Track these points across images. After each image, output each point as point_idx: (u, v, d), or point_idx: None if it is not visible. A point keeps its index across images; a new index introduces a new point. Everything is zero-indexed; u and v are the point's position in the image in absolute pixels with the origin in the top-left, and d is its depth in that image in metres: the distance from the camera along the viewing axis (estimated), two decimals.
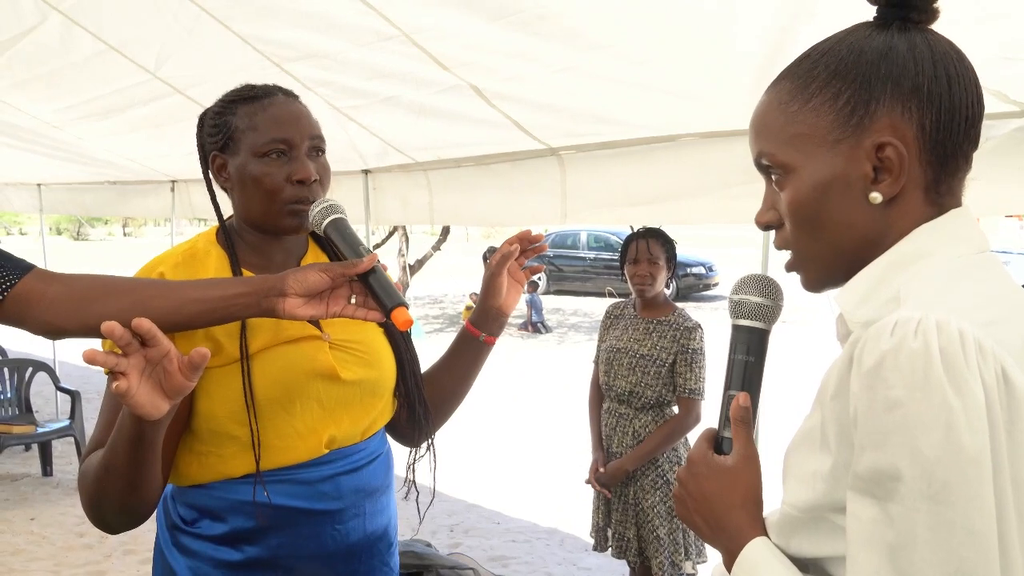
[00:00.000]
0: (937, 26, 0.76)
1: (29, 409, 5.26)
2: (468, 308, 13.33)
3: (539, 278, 17.40)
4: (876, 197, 0.73)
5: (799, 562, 0.75)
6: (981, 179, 1.83)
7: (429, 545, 3.66)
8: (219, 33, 2.37)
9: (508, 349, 11.21)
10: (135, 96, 3.06)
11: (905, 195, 0.74)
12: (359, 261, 1.09)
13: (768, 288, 0.87)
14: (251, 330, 1.17)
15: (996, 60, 1.58)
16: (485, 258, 14.54)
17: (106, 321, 0.86)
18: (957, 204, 0.76)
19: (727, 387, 0.86)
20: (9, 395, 5.14)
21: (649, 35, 1.93)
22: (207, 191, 1.30)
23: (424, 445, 1.40)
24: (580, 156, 2.80)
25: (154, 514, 1.22)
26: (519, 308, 13.71)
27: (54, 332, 1.07)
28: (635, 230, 2.75)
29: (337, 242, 1.15)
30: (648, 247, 2.64)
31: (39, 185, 5.93)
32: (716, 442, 0.86)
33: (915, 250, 0.73)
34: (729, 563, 0.79)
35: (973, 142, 0.75)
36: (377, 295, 1.09)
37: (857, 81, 0.73)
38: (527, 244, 1.41)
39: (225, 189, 1.28)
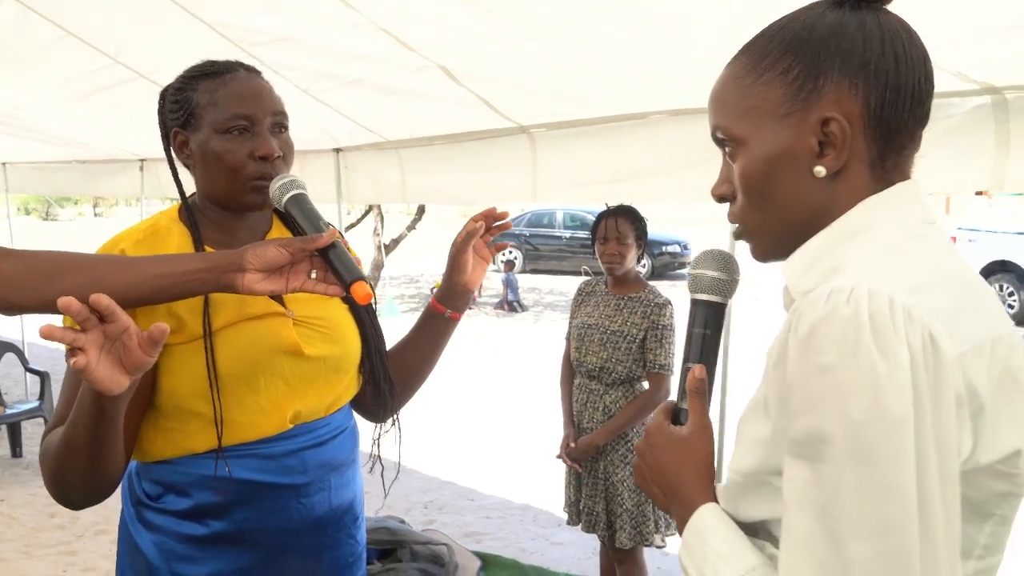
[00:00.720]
0: (913, 5, 0.77)
1: None
2: (437, 284, 13.27)
3: (515, 257, 17.41)
4: (820, 171, 0.75)
5: (747, 526, 0.77)
6: (948, 156, 1.87)
7: (403, 522, 3.69)
8: (184, 19, 2.34)
9: (484, 327, 11.24)
10: (98, 81, 3.02)
11: (850, 169, 0.75)
12: (318, 236, 1.09)
13: (725, 263, 0.89)
14: (214, 307, 1.17)
15: (966, 41, 1.61)
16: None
17: (62, 297, 0.86)
18: (904, 178, 0.77)
19: (685, 359, 0.88)
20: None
21: (616, 13, 1.93)
22: (169, 168, 1.29)
23: (389, 420, 1.41)
24: (551, 134, 2.80)
25: (118, 491, 1.22)
26: (494, 287, 13.72)
27: (10, 308, 1.07)
28: (607, 208, 2.77)
29: (297, 217, 1.16)
30: (616, 225, 2.66)
31: (3, 164, 5.83)
32: (674, 414, 0.88)
33: (857, 223, 0.75)
34: (682, 529, 0.81)
35: (920, 120, 0.77)
36: (337, 270, 1.09)
37: (807, 56, 0.75)
38: (492, 221, 1.42)
39: (187, 166, 1.27)
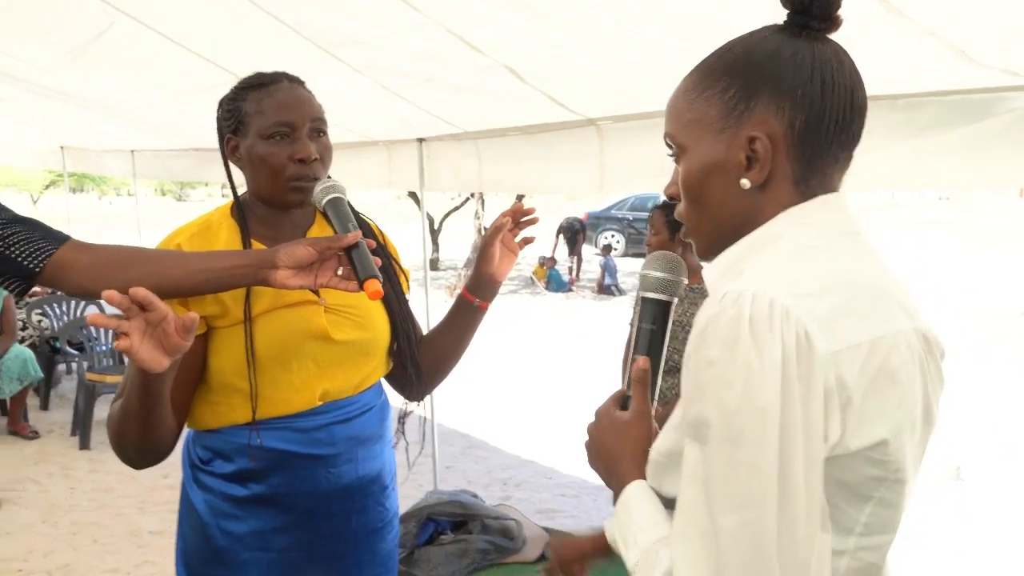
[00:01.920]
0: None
1: (122, 361, 5.71)
2: (538, 269, 13.45)
3: (617, 241, 17.33)
4: (745, 183, 0.82)
5: (670, 500, 0.85)
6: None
7: (475, 496, 3.84)
8: (268, 24, 2.52)
9: (580, 310, 11.30)
10: (203, 82, 3.29)
11: (774, 183, 0.82)
12: (342, 236, 1.22)
13: (671, 264, 0.96)
14: (255, 295, 1.32)
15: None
16: (559, 231, 14.50)
17: (105, 290, 1.02)
18: (829, 191, 0.83)
19: (633, 352, 0.96)
20: (106, 347, 5.57)
21: (679, 6, 1.96)
22: (224, 173, 1.45)
23: (415, 400, 1.53)
24: (617, 127, 2.85)
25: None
26: (594, 271, 13.73)
27: (85, 294, 1.25)
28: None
29: (332, 218, 1.29)
30: (652, 218, 2.80)
31: (132, 152, 6.34)
32: (623, 400, 0.96)
33: (771, 232, 0.82)
34: (616, 503, 0.91)
35: (845, 143, 0.82)
36: (354, 267, 1.21)
37: (743, 79, 0.81)
38: (519, 217, 1.52)
39: (239, 167, 1.42)
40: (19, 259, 1.21)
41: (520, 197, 11.72)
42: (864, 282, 0.78)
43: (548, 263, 13.39)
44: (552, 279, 13.21)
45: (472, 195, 12.50)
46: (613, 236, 17.67)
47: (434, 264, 14.70)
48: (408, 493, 4.08)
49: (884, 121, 1.96)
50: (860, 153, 2.16)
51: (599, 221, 17.75)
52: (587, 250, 15.24)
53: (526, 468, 4.87)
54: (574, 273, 13.84)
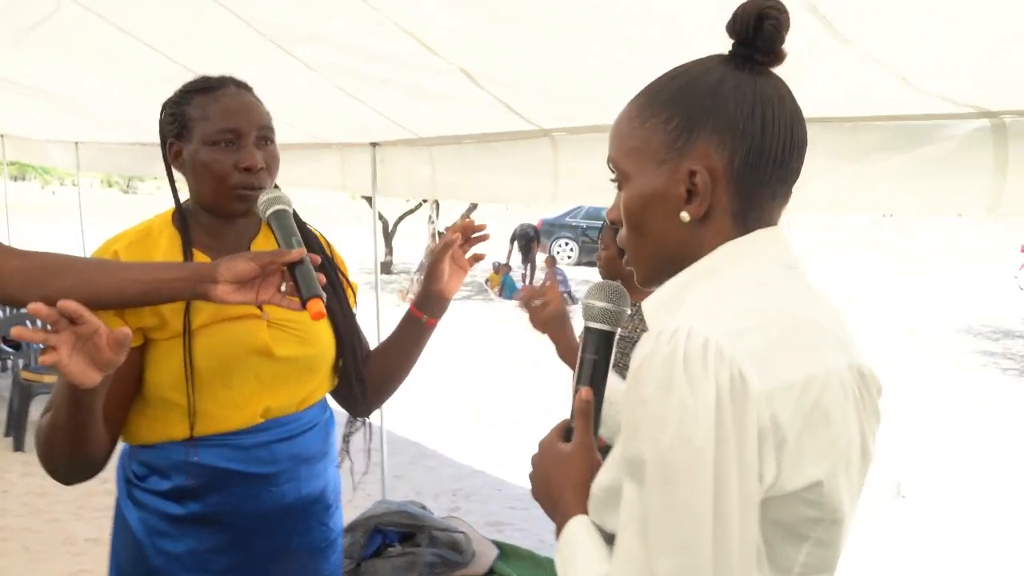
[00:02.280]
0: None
1: None
2: (492, 276, 13.46)
3: (570, 248, 17.41)
4: (684, 216, 0.82)
5: (613, 536, 0.84)
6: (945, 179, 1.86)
7: (424, 507, 3.80)
8: (224, 17, 2.47)
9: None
10: (154, 75, 3.20)
11: (713, 217, 0.82)
12: (286, 251, 1.19)
13: (613, 294, 0.95)
14: (195, 307, 1.28)
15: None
16: (513, 238, 14.56)
17: (31, 303, 0.97)
18: (767, 225, 0.83)
19: (576, 382, 0.95)
20: (38, 345, 5.38)
21: (635, 20, 1.97)
22: (166, 175, 1.40)
23: (361, 416, 1.50)
24: (571, 138, 2.85)
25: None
26: (541, 280, 13.76)
27: (12, 302, 1.20)
28: None
29: (275, 231, 1.25)
30: (601, 233, 2.76)
31: (76, 143, 6.15)
32: (566, 432, 0.95)
33: (711, 265, 0.82)
34: (559, 536, 0.89)
35: (783, 179, 0.83)
36: (298, 285, 1.18)
37: (685, 111, 0.81)
38: (470, 233, 1.50)
39: (182, 173, 1.38)
40: None
41: (473, 205, 11.71)
42: (799, 318, 0.78)
43: (503, 269, 13.40)
44: (506, 286, 13.21)
45: (426, 199, 12.43)
46: (567, 244, 17.76)
47: (387, 267, 14.59)
48: (357, 503, 4.03)
49: (830, 144, 2.00)
50: (806, 175, 2.18)
51: (553, 228, 17.81)
52: (540, 257, 15.30)
53: (476, 478, 4.85)
54: (527, 280, 13.87)
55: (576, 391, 0.95)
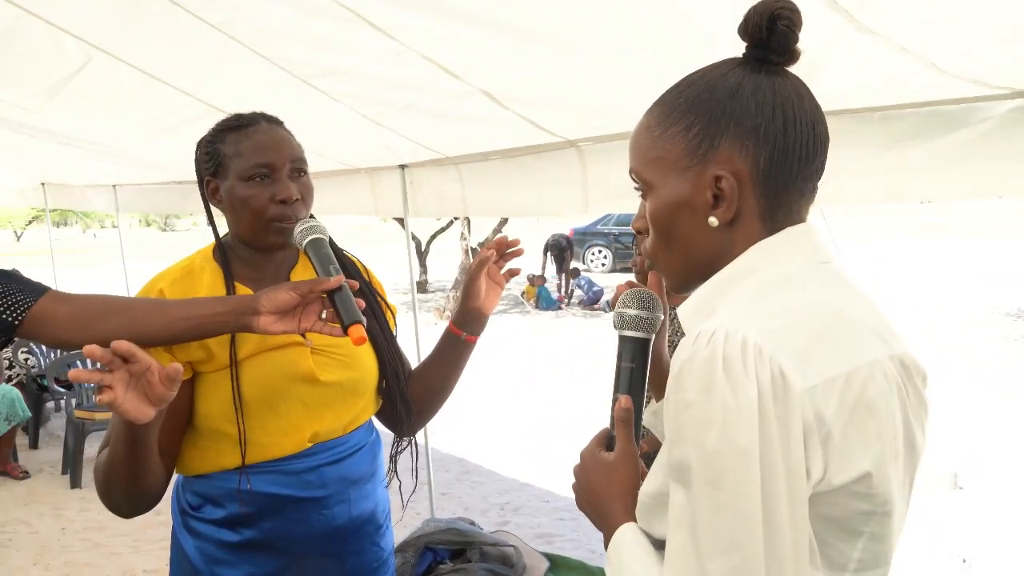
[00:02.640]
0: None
1: None
2: (528, 288, 13.50)
3: (604, 256, 17.41)
4: (713, 221, 0.82)
5: (662, 542, 0.84)
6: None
7: (472, 523, 3.81)
8: (246, 56, 2.53)
9: (573, 328, 11.30)
10: (184, 116, 3.28)
11: (742, 220, 0.82)
12: (325, 279, 1.21)
13: (646, 301, 0.95)
14: (240, 339, 1.31)
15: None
16: (546, 249, 14.62)
17: (87, 345, 1.00)
18: (796, 223, 0.83)
19: (614, 391, 0.95)
20: (91, 385, 5.52)
21: (656, 26, 1.97)
22: (204, 211, 1.44)
23: (405, 438, 1.52)
24: (598, 147, 2.85)
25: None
26: (578, 293, 13.77)
27: (64, 346, 1.23)
28: None
29: (313, 260, 1.28)
30: (634, 239, 2.73)
31: (114, 186, 6.32)
32: (608, 441, 0.95)
33: (741, 268, 0.82)
34: (607, 546, 0.89)
35: (809, 176, 0.82)
36: (338, 312, 1.20)
37: (706, 117, 0.81)
38: (504, 249, 1.51)
39: (220, 209, 1.41)
40: None
41: (504, 220, 11.75)
42: (836, 312, 0.77)
43: (538, 281, 13.42)
44: (541, 297, 13.22)
45: (458, 217, 12.51)
46: (600, 252, 17.75)
47: (422, 286, 14.68)
48: (406, 522, 4.05)
49: (862, 135, 1.98)
50: (840, 168, 2.15)
51: (585, 237, 17.80)
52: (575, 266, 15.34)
53: (523, 492, 4.84)
54: (562, 290, 13.90)
55: (615, 400, 0.95)
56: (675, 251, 0.86)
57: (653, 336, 0.97)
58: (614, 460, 0.93)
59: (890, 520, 0.77)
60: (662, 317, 0.97)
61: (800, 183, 0.82)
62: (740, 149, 0.80)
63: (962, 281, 13.61)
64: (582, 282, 13.56)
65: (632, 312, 0.96)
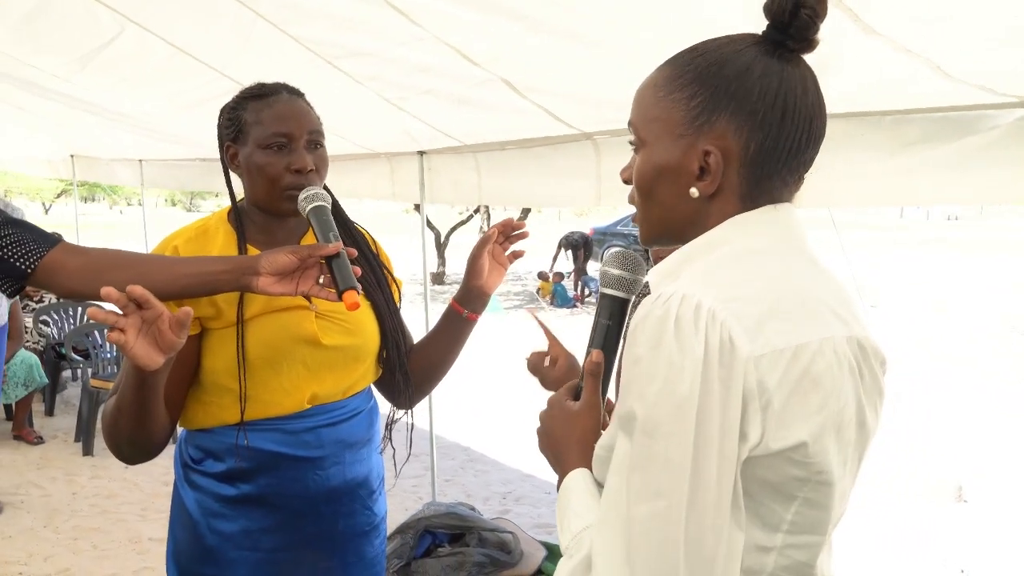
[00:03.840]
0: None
1: None
2: (543, 284, 13.53)
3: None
4: (693, 192, 0.85)
5: None
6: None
7: (473, 509, 3.85)
8: (273, 35, 2.58)
9: (586, 326, 11.31)
10: (210, 91, 3.34)
11: (722, 195, 0.85)
12: (324, 245, 1.25)
13: (629, 262, 1.00)
14: (248, 299, 1.36)
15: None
16: (561, 245, 14.66)
17: (104, 288, 1.06)
18: (772, 202, 0.86)
19: (588, 345, 0.99)
20: (110, 355, 5.62)
21: (673, 29, 2.00)
22: (223, 175, 1.49)
23: (404, 408, 1.56)
24: (614, 141, 2.88)
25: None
26: (595, 287, 13.78)
27: (74, 296, 1.29)
28: None
29: (314, 226, 1.32)
30: None
31: (140, 161, 6.42)
32: (576, 391, 0.99)
33: (715, 238, 0.85)
34: (559, 488, 0.94)
35: (795, 169, 0.85)
36: (334, 277, 1.24)
37: (711, 90, 0.83)
38: (510, 231, 1.55)
39: (237, 174, 1.46)
40: (11, 260, 1.25)
41: (526, 211, 11.77)
42: (796, 289, 0.80)
43: (556, 278, 13.45)
44: (557, 294, 13.24)
45: (478, 209, 12.56)
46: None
47: (440, 278, 14.75)
48: (408, 505, 4.10)
49: (871, 138, 1.99)
50: (848, 169, 2.15)
51: (605, 237, 17.78)
52: (592, 267, 15.36)
53: (526, 483, 4.88)
54: (577, 288, 13.95)
55: (588, 353, 0.99)
56: (652, 208, 0.89)
57: (633, 297, 1.01)
58: (578, 409, 0.97)
59: (828, 489, 0.79)
60: (643, 280, 1.01)
61: (785, 173, 0.85)
62: (735, 130, 0.82)
63: (973, 294, 13.48)
64: (588, 281, 13.65)
65: (615, 272, 1.00)
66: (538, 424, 1.02)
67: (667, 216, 0.88)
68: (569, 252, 14.63)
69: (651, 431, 0.74)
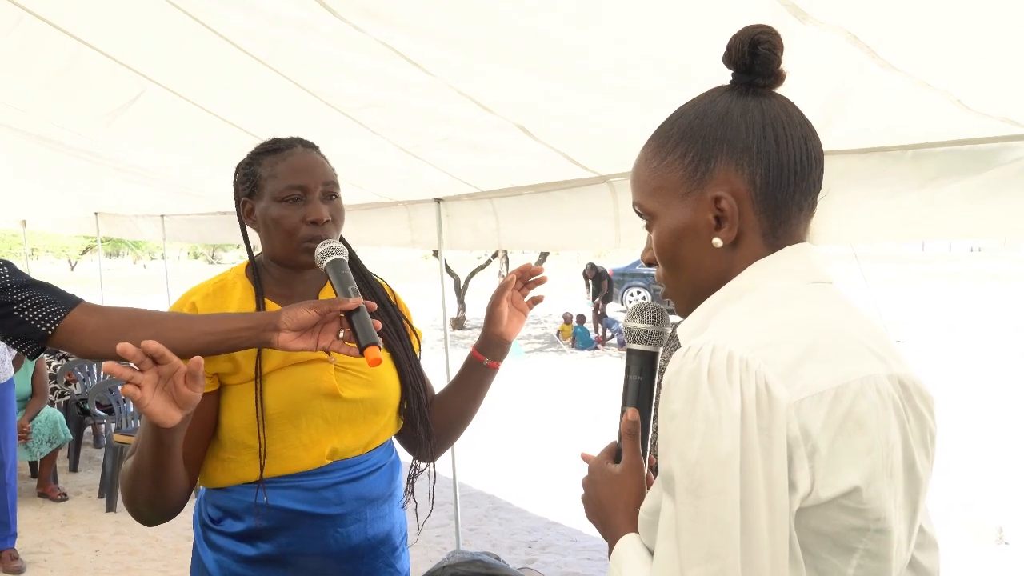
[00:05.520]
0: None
1: None
2: (564, 327, 13.49)
3: (643, 297, 17.42)
4: (717, 242, 0.84)
5: None
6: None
7: (498, 558, 3.78)
8: (289, 89, 2.62)
9: (609, 369, 11.22)
10: (233, 147, 3.39)
11: (744, 239, 0.84)
12: (344, 300, 1.24)
13: (652, 315, 0.97)
14: (266, 353, 1.35)
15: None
16: (584, 275, 14.79)
17: (120, 343, 1.05)
18: (795, 242, 0.84)
19: (622, 404, 0.96)
20: (132, 410, 5.63)
21: (683, 73, 2.00)
22: (240, 231, 1.49)
23: (426, 461, 1.53)
24: (629, 183, 2.88)
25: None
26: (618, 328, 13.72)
27: (93, 357, 1.28)
28: None
29: (333, 281, 1.31)
30: None
31: (162, 216, 6.52)
32: (616, 453, 0.96)
33: (739, 287, 0.83)
34: (610, 555, 0.90)
35: (806, 191, 0.84)
36: (355, 332, 1.23)
37: (699, 142, 0.84)
38: (528, 277, 1.54)
39: (254, 229, 1.46)
40: (32, 322, 1.25)
41: (544, 255, 11.80)
42: (829, 329, 0.78)
43: (578, 320, 13.43)
44: (578, 337, 13.19)
45: (497, 254, 12.61)
46: (639, 292, 17.72)
47: (460, 323, 14.76)
48: (432, 556, 4.03)
49: (892, 172, 1.97)
50: (871, 205, 2.12)
51: (624, 278, 17.80)
52: (611, 308, 15.40)
53: (551, 531, 4.79)
54: (599, 311, 14.03)
55: (623, 412, 0.96)
56: (682, 276, 0.88)
57: (660, 349, 0.98)
58: (620, 472, 0.94)
59: (887, 538, 0.76)
60: (669, 331, 0.99)
61: (799, 198, 0.84)
62: (735, 169, 0.82)
63: (1002, 327, 13.25)
64: (610, 323, 13.65)
65: (640, 326, 0.98)
66: (581, 491, 0.99)
67: (697, 277, 0.87)
68: (590, 282, 14.87)
69: (696, 490, 0.72)
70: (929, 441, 0.81)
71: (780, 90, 0.87)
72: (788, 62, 0.86)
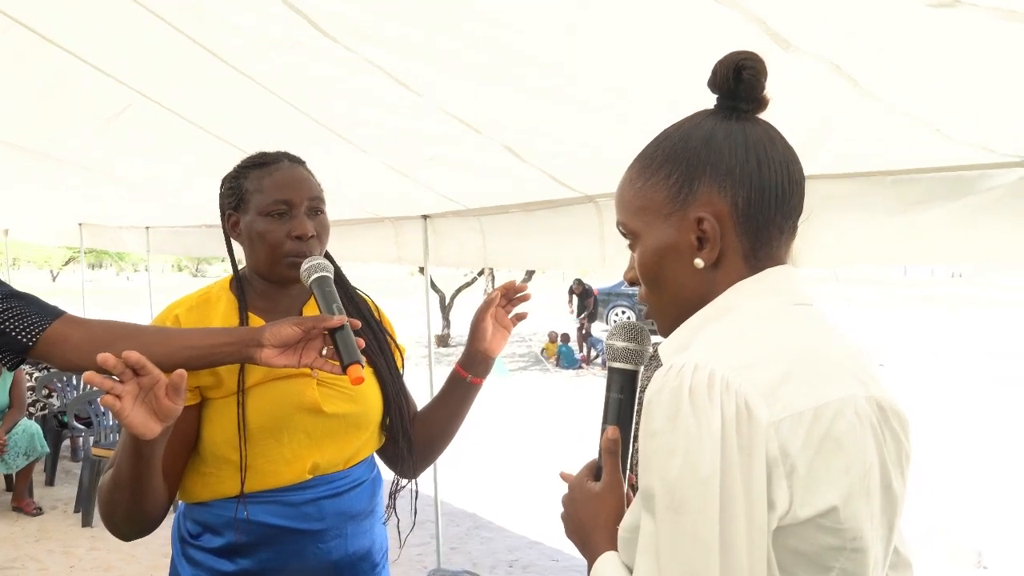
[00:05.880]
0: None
1: None
2: (548, 346, 13.50)
3: (628, 317, 17.51)
4: (699, 263, 0.85)
5: None
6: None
7: None
8: (278, 105, 2.63)
9: (592, 388, 11.22)
10: (227, 162, 3.39)
11: (725, 260, 0.85)
12: (328, 317, 1.24)
13: (634, 334, 0.98)
14: (248, 367, 1.34)
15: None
16: (571, 290, 14.86)
17: (100, 354, 1.04)
18: (777, 263, 0.86)
19: (603, 421, 0.97)
20: (113, 423, 5.57)
21: (669, 94, 2.03)
22: (225, 244, 1.49)
23: (408, 477, 1.52)
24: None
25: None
26: (601, 347, 13.75)
27: (75, 369, 1.27)
28: None
29: (317, 298, 1.31)
30: None
31: (147, 228, 6.49)
32: (596, 471, 0.97)
33: (720, 307, 0.84)
34: (589, 573, 0.90)
35: (787, 214, 0.86)
36: (339, 350, 1.23)
37: (683, 164, 0.85)
38: (512, 294, 1.54)
39: (239, 243, 1.46)
40: (12, 333, 1.24)
41: (530, 273, 11.82)
42: (808, 350, 0.79)
43: (563, 339, 13.44)
44: (562, 356, 13.19)
45: (483, 272, 12.63)
46: (624, 312, 17.76)
47: (445, 340, 14.73)
48: (413, 575, 4.00)
49: (873, 198, 2.00)
50: (853, 230, 2.15)
51: (610, 297, 17.84)
52: (596, 327, 15.45)
53: (533, 550, 4.77)
54: (584, 330, 14.07)
55: (603, 431, 0.97)
56: (664, 296, 0.89)
57: (641, 368, 0.99)
58: (600, 490, 0.95)
59: (863, 557, 0.77)
60: (650, 350, 0.99)
61: (780, 221, 0.85)
62: (718, 191, 0.83)
63: (981, 351, 13.38)
64: (595, 343, 13.70)
65: (621, 344, 0.98)
66: (561, 509, 0.99)
67: (679, 297, 0.88)
68: (575, 298, 14.93)
69: (676, 507, 0.72)
70: (905, 462, 0.82)
71: (764, 116, 0.89)
72: (772, 89, 0.88)
